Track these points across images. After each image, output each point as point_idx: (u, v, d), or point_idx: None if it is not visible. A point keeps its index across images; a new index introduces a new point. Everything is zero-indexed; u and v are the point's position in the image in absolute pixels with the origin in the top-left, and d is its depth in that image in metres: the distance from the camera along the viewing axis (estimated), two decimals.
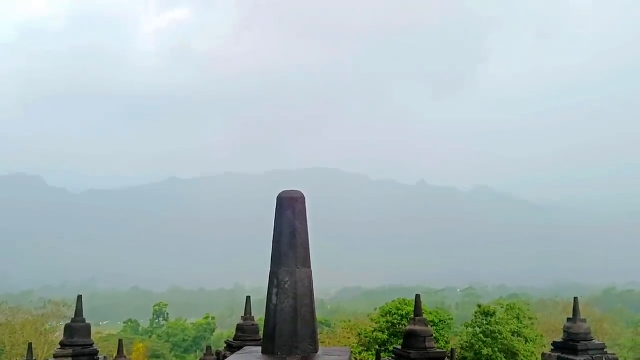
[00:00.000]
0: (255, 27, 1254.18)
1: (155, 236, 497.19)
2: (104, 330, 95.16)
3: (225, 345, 20.29)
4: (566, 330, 16.89)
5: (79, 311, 17.33)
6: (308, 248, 7.40)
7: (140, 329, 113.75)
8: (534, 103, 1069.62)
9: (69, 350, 16.52)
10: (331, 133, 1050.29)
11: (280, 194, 7.44)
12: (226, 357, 18.39)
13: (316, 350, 7.24)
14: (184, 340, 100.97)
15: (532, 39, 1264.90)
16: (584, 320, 16.92)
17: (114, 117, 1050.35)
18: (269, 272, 7.53)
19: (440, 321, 47.87)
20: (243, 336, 19.42)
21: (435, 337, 38.80)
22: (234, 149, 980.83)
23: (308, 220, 7.86)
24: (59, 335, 57.65)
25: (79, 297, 17.71)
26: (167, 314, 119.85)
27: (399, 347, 18.17)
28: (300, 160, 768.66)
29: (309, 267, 7.33)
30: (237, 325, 20.17)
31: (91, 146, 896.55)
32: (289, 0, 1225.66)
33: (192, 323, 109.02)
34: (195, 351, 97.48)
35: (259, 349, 7.39)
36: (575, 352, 16.15)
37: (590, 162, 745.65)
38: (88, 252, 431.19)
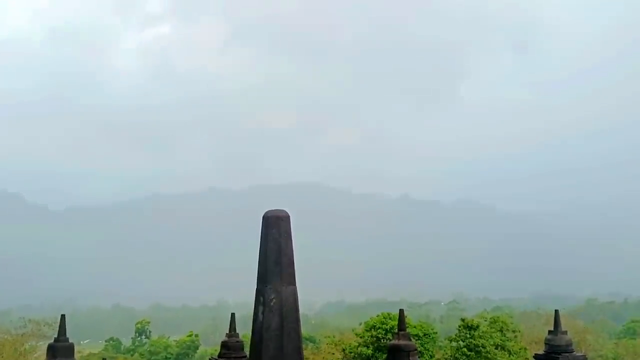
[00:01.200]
0: (239, 44, 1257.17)
1: (136, 252, 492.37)
2: (84, 349, 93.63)
3: None
4: (547, 343, 17.15)
5: (62, 330, 17.16)
6: (293, 266, 7.60)
7: (122, 347, 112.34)
8: (515, 118, 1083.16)
9: None
10: (314, 148, 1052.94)
11: (266, 212, 7.63)
12: None
13: None
14: (166, 358, 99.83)
15: (510, 55, 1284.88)
16: (565, 332, 17.20)
17: (95, 135, 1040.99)
18: (255, 289, 7.68)
19: (424, 335, 47.99)
20: (228, 353, 19.39)
21: (419, 351, 38.76)
22: (217, 165, 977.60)
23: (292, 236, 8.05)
24: (39, 355, 56.68)
25: (62, 317, 17.55)
26: (150, 331, 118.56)
27: None
28: (284, 175, 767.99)
29: (294, 284, 7.52)
30: (222, 342, 20.15)
31: (72, 164, 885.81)
32: (271, 18, 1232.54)
33: (175, 340, 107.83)
34: None
35: None
36: None
37: (573, 177, 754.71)
38: (68, 269, 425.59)
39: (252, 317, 8.11)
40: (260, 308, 7.32)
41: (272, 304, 7.27)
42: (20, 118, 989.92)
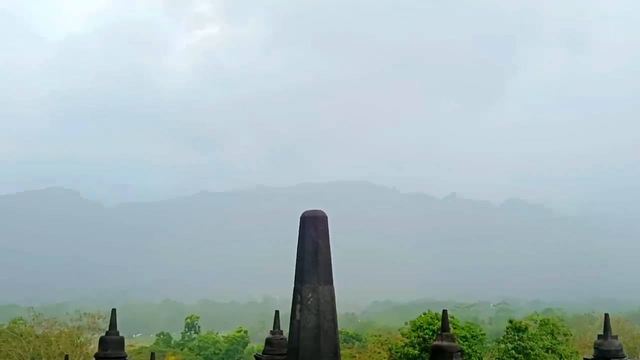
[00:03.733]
0: (285, 43, 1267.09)
1: (185, 249, 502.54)
2: (136, 342, 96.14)
3: (255, 359, 20.49)
4: (596, 347, 16.64)
5: (113, 324, 17.72)
6: (330, 266, 7.67)
7: (172, 341, 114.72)
8: (566, 117, 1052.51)
9: None
10: (360, 146, 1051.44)
11: (303, 213, 7.76)
12: None
13: None
14: (214, 353, 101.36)
15: (563, 51, 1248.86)
16: (616, 337, 16.64)
17: (146, 133, 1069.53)
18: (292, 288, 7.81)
19: (472, 336, 47.22)
20: (272, 350, 19.54)
21: (467, 353, 38.14)
22: (265, 163, 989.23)
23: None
24: (94, 347, 58.55)
25: (113, 311, 18.13)
26: (199, 326, 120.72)
27: None
28: (331, 173, 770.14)
29: (331, 284, 7.61)
30: (266, 339, 20.33)
31: (125, 162, 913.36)
32: (317, 17, 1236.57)
33: (224, 336, 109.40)
34: None
35: None
36: None
37: (626, 175, 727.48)
38: (121, 264, 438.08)
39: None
40: (298, 307, 7.43)
41: (309, 302, 7.37)
42: (76, 118, 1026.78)
